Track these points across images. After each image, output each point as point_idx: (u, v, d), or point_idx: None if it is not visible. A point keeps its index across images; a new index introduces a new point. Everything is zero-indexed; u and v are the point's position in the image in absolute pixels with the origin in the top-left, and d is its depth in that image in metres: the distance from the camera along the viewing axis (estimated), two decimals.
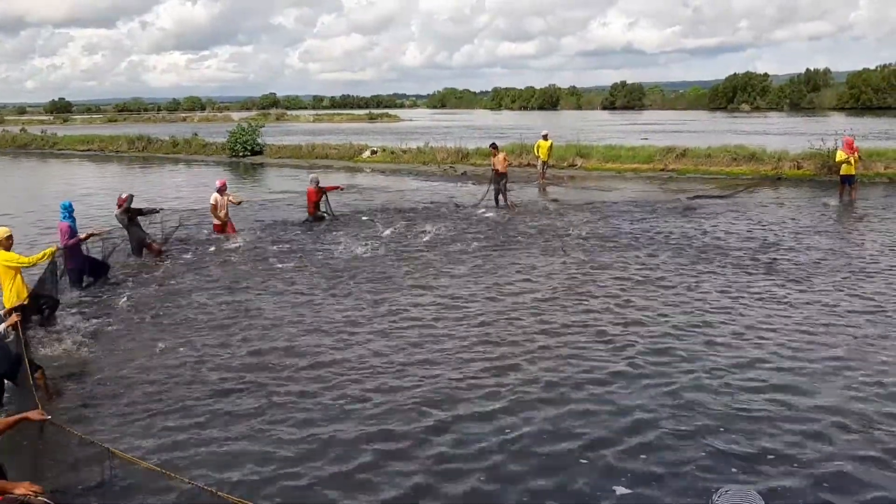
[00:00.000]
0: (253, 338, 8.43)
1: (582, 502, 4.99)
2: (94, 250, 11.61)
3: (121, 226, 12.57)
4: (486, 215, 16.76)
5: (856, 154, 17.92)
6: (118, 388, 7.05)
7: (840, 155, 18.04)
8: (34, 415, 4.37)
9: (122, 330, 8.91)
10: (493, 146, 19.11)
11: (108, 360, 7.87)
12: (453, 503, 5.01)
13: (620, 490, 5.08)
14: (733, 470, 5.26)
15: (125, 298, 10.17)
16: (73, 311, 9.68)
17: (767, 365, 7.24)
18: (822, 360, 7.36)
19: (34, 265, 8.61)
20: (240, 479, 5.27)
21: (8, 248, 8.34)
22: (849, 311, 8.91)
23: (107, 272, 11.30)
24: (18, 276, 8.39)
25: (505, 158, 18.35)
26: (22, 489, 4.19)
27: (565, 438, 5.82)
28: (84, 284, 10.85)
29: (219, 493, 4.51)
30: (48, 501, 4.53)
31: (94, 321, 9.21)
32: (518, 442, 5.78)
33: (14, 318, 6.69)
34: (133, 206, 12.62)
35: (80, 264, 10.73)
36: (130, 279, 11.40)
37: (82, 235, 10.69)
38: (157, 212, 13.51)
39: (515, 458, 5.52)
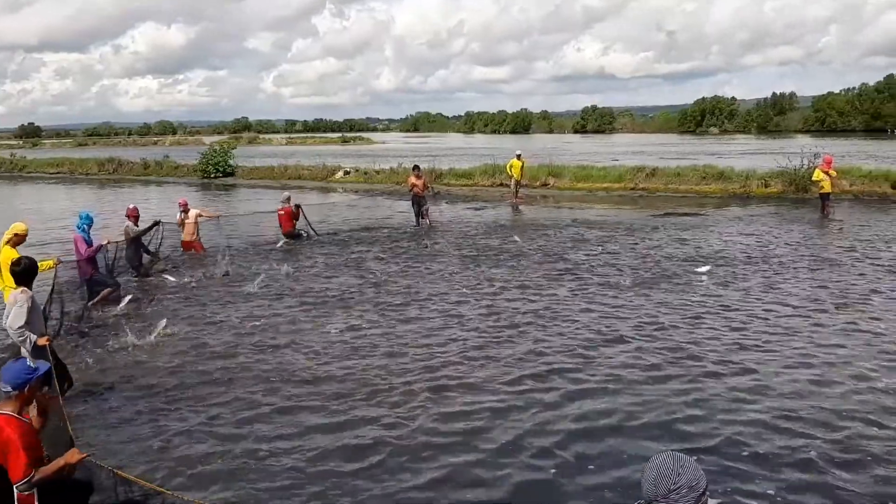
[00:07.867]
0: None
1: None
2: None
3: (126, 239, 12.13)
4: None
5: (832, 172, 18.23)
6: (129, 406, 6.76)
7: (818, 174, 18.31)
8: (72, 456, 4.20)
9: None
10: (416, 168, 19.40)
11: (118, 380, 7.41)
12: None
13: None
14: None
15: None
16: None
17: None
18: None
19: None
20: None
21: (15, 245, 7.84)
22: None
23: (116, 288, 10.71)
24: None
25: (425, 183, 18.89)
26: (75, 457, 4.13)
27: None
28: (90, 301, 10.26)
29: None
30: (101, 465, 4.51)
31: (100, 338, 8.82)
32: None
33: (43, 340, 6.18)
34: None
35: (89, 276, 10.20)
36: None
37: (103, 242, 10.52)
38: (157, 224, 13.25)
39: None
